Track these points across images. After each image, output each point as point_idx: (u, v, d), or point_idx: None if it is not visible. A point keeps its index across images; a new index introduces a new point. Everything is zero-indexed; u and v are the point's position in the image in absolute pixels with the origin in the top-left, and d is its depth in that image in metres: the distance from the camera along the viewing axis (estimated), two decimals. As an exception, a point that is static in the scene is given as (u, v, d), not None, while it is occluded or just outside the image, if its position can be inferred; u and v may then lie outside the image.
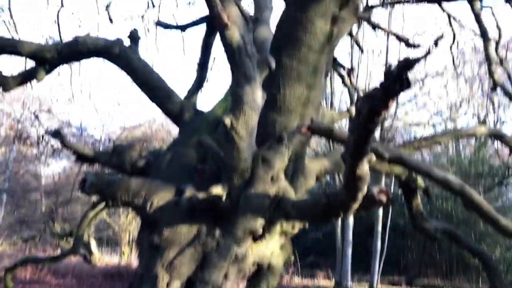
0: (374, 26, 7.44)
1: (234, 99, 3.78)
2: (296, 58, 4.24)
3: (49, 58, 5.05)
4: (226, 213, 3.87)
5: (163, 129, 20.23)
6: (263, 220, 3.77)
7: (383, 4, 7.74)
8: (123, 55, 5.05)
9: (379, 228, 15.63)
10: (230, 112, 3.77)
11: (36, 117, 9.51)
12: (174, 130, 16.52)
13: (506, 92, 7.17)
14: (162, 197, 4.05)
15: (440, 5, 8.29)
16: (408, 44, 7.22)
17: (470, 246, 5.63)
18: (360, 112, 2.48)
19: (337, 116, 5.96)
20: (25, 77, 5.36)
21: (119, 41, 5.07)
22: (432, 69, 18.04)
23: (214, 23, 3.65)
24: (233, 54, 3.64)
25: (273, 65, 3.87)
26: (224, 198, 3.82)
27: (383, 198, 3.40)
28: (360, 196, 3.32)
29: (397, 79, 2.14)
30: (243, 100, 3.69)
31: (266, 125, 4.21)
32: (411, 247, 18.54)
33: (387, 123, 15.65)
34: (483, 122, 5.85)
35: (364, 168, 3.02)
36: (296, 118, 4.31)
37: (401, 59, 2.08)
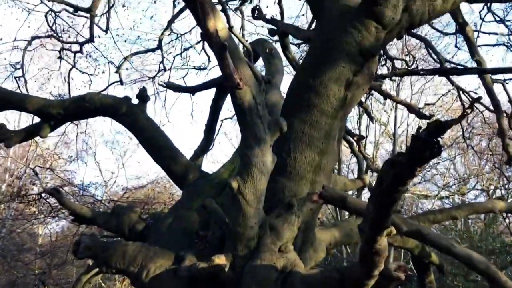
0: (385, 96, 7.41)
1: (243, 161, 3.58)
2: (308, 123, 4.10)
3: (54, 114, 4.94)
4: (228, 286, 3.61)
5: (166, 191, 19.95)
6: (269, 295, 3.47)
7: (394, 75, 7.76)
8: (130, 114, 4.94)
9: (387, 305, 14.87)
10: (238, 174, 3.57)
11: (36, 173, 9.35)
12: (177, 193, 16.25)
13: (520, 166, 6.96)
14: (159, 264, 3.83)
15: (449, 78, 8.32)
16: (419, 115, 7.12)
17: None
18: (382, 179, 2.26)
19: (350, 184, 5.72)
20: (29, 133, 5.25)
21: (126, 99, 4.99)
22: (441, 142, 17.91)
23: (225, 84, 3.53)
24: (244, 114, 3.49)
25: (285, 128, 3.70)
26: (227, 268, 3.57)
27: (401, 275, 3.13)
28: (377, 272, 3.06)
29: (426, 144, 1.93)
30: (252, 162, 3.49)
31: (275, 191, 4.00)
32: (421, 326, 17.49)
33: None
34: (501, 197, 5.68)
35: (383, 241, 2.78)
36: (306, 184, 4.10)
37: (432, 121, 1.88)
